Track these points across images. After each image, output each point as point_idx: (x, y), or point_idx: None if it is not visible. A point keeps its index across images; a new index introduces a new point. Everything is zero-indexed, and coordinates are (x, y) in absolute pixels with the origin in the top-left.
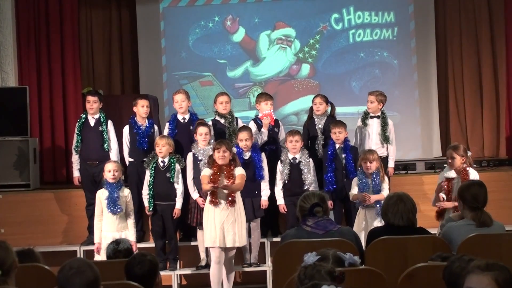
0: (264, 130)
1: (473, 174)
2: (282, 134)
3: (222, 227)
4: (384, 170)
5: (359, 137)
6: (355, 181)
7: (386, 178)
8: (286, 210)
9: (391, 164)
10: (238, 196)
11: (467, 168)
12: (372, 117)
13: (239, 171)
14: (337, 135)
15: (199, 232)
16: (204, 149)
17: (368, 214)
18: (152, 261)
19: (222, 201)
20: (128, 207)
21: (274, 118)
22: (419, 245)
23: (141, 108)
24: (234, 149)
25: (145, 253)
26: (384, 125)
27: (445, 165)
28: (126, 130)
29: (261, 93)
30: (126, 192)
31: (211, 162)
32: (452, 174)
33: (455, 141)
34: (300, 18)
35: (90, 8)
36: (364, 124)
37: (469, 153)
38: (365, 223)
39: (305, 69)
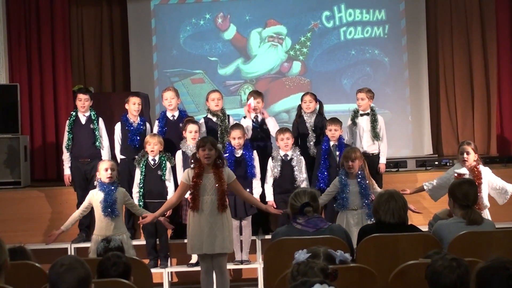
0: (249, 118)
1: (485, 172)
2: (275, 127)
3: (210, 233)
4: (369, 169)
5: (350, 136)
6: (335, 184)
7: (372, 180)
8: (275, 206)
9: (382, 161)
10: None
11: (479, 166)
12: (362, 115)
13: (232, 177)
14: (333, 132)
15: None
16: (194, 146)
17: (351, 217)
18: (126, 264)
19: (209, 205)
20: (133, 206)
21: (253, 107)
22: (410, 243)
23: (133, 106)
24: (219, 146)
25: (120, 254)
26: (373, 121)
27: (455, 161)
28: (118, 127)
29: (250, 91)
30: (121, 193)
31: (195, 160)
32: (463, 170)
33: (446, 139)
34: (291, 15)
35: (81, 5)
36: (354, 123)
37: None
38: (346, 226)
39: (296, 66)
